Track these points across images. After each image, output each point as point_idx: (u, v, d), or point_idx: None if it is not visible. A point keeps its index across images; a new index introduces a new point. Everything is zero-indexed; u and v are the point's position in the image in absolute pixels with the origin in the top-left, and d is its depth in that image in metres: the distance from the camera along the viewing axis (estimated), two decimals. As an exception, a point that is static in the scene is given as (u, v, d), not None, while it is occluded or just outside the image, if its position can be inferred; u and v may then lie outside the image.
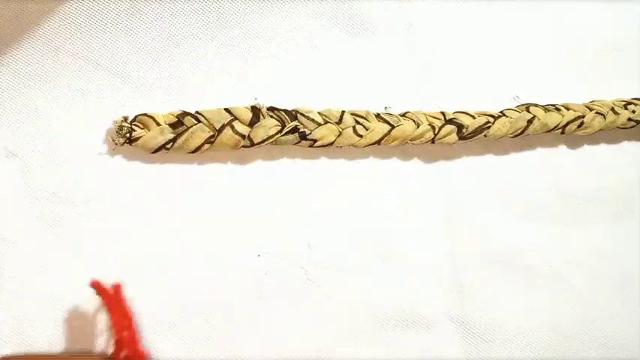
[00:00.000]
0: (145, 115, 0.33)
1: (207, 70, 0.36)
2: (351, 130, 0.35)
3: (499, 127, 0.37)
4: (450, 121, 0.37)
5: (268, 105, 0.35)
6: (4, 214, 0.33)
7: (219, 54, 0.36)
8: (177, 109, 0.34)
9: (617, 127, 0.40)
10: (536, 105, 0.38)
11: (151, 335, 0.34)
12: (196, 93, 0.36)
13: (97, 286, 0.29)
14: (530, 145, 0.40)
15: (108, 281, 0.30)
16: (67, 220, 0.33)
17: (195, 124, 0.33)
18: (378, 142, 0.36)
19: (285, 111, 0.35)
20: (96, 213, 0.34)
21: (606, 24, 0.41)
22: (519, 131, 0.38)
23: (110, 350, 0.29)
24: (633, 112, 0.40)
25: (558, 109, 0.38)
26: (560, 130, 0.39)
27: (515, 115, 0.37)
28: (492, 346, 0.39)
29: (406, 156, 0.39)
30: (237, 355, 0.35)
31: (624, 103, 0.40)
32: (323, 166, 0.38)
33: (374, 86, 0.38)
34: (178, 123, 0.33)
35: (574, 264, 0.40)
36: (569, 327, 0.40)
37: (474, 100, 0.38)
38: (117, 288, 0.30)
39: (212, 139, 0.33)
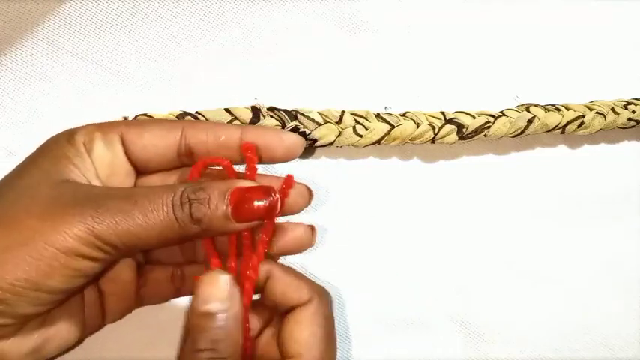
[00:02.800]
0: (145, 115, 0.33)
1: (207, 70, 0.36)
2: (351, 130, 0.35)
3: (499, 127, 0.37)
4: (450, 121, 0.37)
5: (268, 105, 0.35)
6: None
7: (219, 54, 0.36)
8: (177, 109, 0.34)
9: (617, 127, 0.40)
10: (536, 105, 0.38)
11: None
12: (196, 93, 0.36)
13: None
14: (530, 145, 0.40)
15: None
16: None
17: (195, 124, 0.33)
18: (378, 142, 0.36)
19: (285, 111, 0.35)
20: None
21: (606, 24, 0.41)
22: (519, 131, 0.38)
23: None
24: (633, 112, 0.39)
25: (558, 109, 0.38)
26: (560, 130, 0.39)
27: (515, 115, 0.37)
28: (492, 346, 0.39)
29: (406, 156, 0.39)
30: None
31: (624, 103, 0.40)
32: (323, 166, 0.38)
33: (374, 86, 0.38)
34: (178, 123, 0.33)
35: (574, 264, 0.40)
36: (569, 327, 0.40)
37: (474, 100, 0.38)
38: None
39: (212, 139, 0.33)
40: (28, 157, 0.27)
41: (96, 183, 0.27)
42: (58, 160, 0.26)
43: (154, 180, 0.29)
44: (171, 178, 0.29)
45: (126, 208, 0.24)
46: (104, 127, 0.27)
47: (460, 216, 0.39)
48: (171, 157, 0.28)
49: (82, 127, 0.27)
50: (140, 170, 0.28)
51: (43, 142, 0.27)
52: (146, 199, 0.24)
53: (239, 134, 0.28)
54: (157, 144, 0.27)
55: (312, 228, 0.30)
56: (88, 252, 0.24)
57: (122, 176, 0.28)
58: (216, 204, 0.25)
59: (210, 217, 0.25)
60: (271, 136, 0.29)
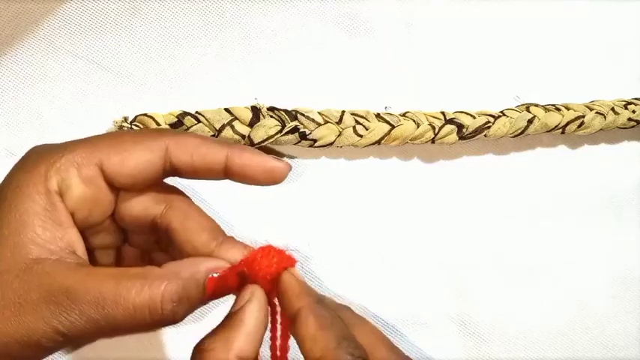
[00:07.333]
0: (145, 115, 0.33)
1: (207, 70, 0.36)
2: (351, 130, 0.35)
3: (499, 127, 0.37)
4: (450, 121, 0.37)
5: (268, 105, 0.35)
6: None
7: (219, 54, 0.36)
8: (177, 109, 0.34)
9: (617, 127, 0.40)
10: (536, 105, 0.38)
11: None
12: (196, 93, 0.36)
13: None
14: (530, 145, 0.40)
15: None
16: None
17: (196, 124, 0.33)
18: (378, 142, 0.36)
19: (285, 111, 0.35)
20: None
21: (606, 24, 0.41)
22: (519, 131, 0.38)
23: None
24: (633, 112, 0.39)
25: (558, 109, 0.39)
26: (560, 130, 0.39)
27: (515, 115, 0.37)
28: (492, 346, 0.39)
29: (406, 156, 0.39)
30: None
31: (624, 103, 0.40)
32: (323, 166, 0.38)
33: (374, 86, 0.38)
34: (178, 123, 0.33)
35: (574, 264, 0.40)
36: (569, 327, 0.40)
37: (474, 100, 0.38)
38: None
39: (212, 139, 0.33)
40: None
41: (69, 235, 0.26)
42: (25, 225, 0.25)
43: (136, 205, 0.28)
44: (154, 202, 0.29)
45: (94, 317, 0.24)
46: (82, 158, 0.26)
47: (460, 216, 0.39)
48: (155, 175, 0.28)
49: (57, 161, 0.26)
50: (123, 188, 0.28)
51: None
52: (117, 307, 0.24)
53: (224, 155, 0.28)
54: (141, 169, 0.27)
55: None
56: (52, 345, 0.24)
57: (104, 206, 0.27)
58: (193, 297, 0.25)
59: (186, 310, 0.25)
60: (255, 160, 0.28)
